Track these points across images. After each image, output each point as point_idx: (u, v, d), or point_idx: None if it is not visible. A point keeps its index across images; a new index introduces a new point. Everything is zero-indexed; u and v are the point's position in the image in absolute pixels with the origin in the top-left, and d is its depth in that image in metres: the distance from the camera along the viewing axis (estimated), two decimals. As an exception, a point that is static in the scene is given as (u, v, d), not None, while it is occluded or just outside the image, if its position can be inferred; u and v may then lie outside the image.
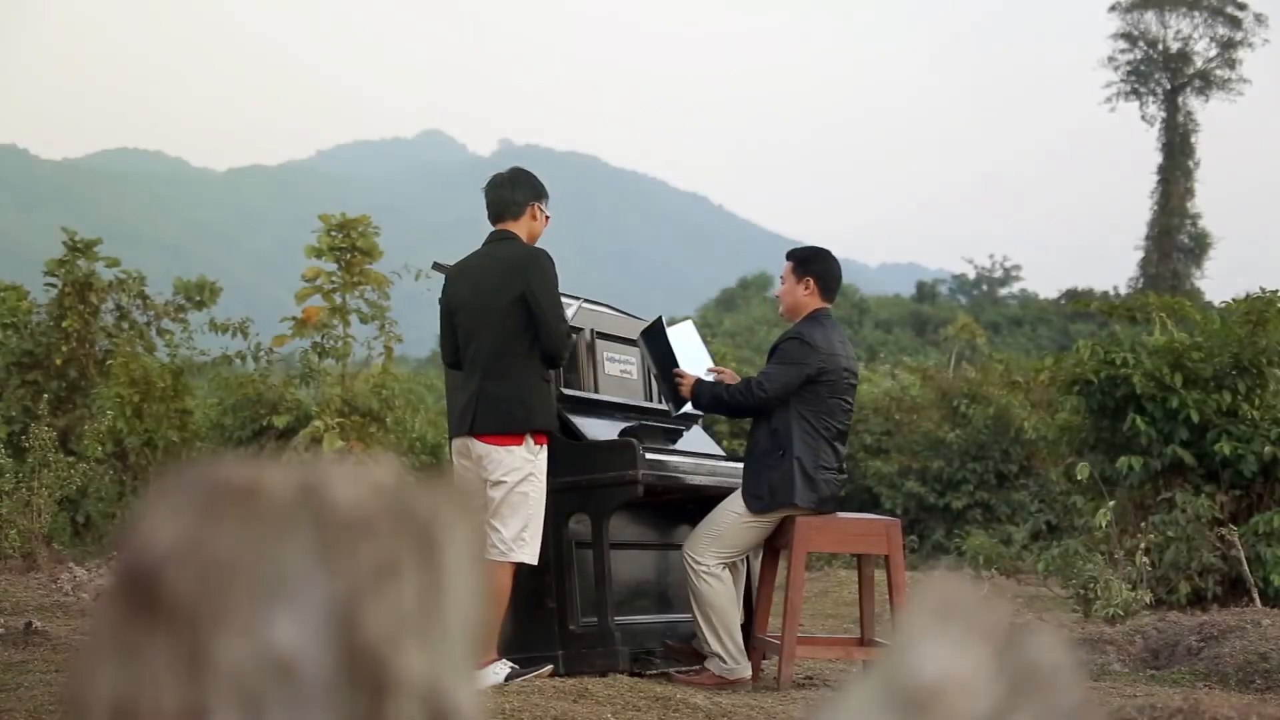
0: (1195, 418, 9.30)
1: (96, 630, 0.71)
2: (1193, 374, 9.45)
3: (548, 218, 6.15)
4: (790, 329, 6.28)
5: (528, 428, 5.77)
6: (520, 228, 6.04)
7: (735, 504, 6.17)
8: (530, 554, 5.79)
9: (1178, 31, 44.46)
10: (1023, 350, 32.60)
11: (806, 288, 6.31)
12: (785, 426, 6.16)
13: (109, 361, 12.41)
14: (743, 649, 6.22)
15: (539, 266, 5.83)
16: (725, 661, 6.16)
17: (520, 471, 5.75)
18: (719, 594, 6.18)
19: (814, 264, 6.37)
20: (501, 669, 5.75)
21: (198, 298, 13.42)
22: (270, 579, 0.71)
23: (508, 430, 5.76)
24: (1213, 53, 44.27)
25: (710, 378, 6.47)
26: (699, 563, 6.16)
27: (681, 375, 6.39)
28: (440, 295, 6.13)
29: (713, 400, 6.32)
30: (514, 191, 6.06)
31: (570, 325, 6.15)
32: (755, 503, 6.16)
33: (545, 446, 5.87)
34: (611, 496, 6.12)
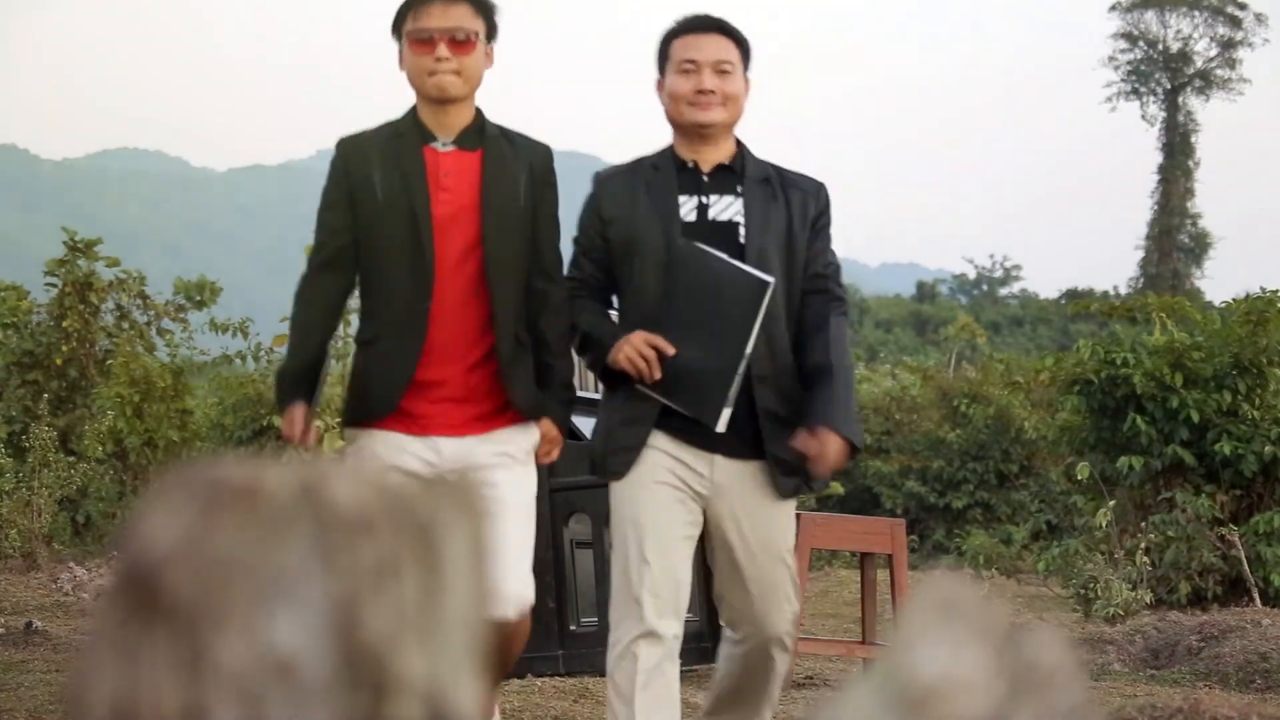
0: (1195, 418, 9.30)
1: (96, 630, 0.71)
2: (1193, 374, 9.45)
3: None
4: (812, 179, 3.85)
5: None
6: None
7: (788, 512, 3.79)
8: None
9: (1178, 31, 44.47)
10: (1023, 350, 32.61)
11: (748, 87, 3.86)
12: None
13: (109, 361, 12.41)
14: None
15: None
16: None
17: None
18: None
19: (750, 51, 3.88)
20: None
21: (198, 298, 13.42)
22: (270, 579, 0.71)
23: None
24: (1213, 53, 44.28)
25: None
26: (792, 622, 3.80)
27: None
28: None
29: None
30: None
31: None
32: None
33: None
34: (612, 496, 6.12)
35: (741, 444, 3.64)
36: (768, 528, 3.68)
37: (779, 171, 3.81)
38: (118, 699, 0.69)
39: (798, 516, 6.23)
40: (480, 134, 3.71)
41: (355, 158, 3.69)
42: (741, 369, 3.53)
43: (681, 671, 6.28)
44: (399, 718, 0.71)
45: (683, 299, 3.59)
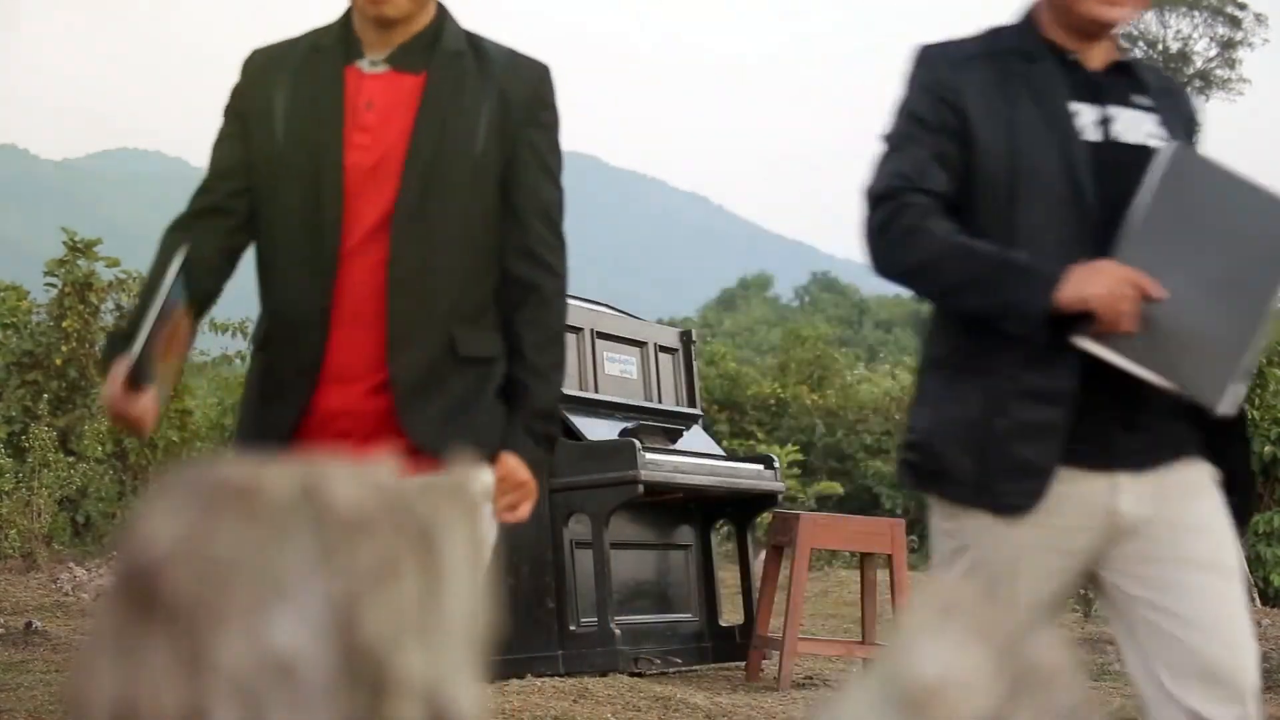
0: (1195, 418, 9.32)
1: (96, 630, 0.71)
2: (1193, 374, 9.47)
3: None
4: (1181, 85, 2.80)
5: None
6: None
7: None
8: None
9: (1178, 31, 44.49)
10: (1023, 350, 32.61)
11: None
12: None
13: (109, 361, 12.41)
14: None
15: None
16: None
17: None
18: None
19: None
20: None
21: (198, 298, 13.41)
22: (270, 579, 0.71)
23: None
24: (1213, 52, 44.30)
25: None
26: None
27: None
28: None
29: None
30: None
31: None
32: None
33: None
34: (611, 496, 6.13)
35: (1149, 449, 2.46)
36: (1212, 538, 2.49)
37: (1158, 75, 2.66)
38: (118, 699, 0.69)
39: (796, 517, 6.23)
40: (430, 49, 2.51)
41: (257, 75, 2.59)
42: (1261, 332, 2.47)
43: (681, 672, 6.29)
44: (399, 718, 0.71)
45: (1164, 224, 2.36)
